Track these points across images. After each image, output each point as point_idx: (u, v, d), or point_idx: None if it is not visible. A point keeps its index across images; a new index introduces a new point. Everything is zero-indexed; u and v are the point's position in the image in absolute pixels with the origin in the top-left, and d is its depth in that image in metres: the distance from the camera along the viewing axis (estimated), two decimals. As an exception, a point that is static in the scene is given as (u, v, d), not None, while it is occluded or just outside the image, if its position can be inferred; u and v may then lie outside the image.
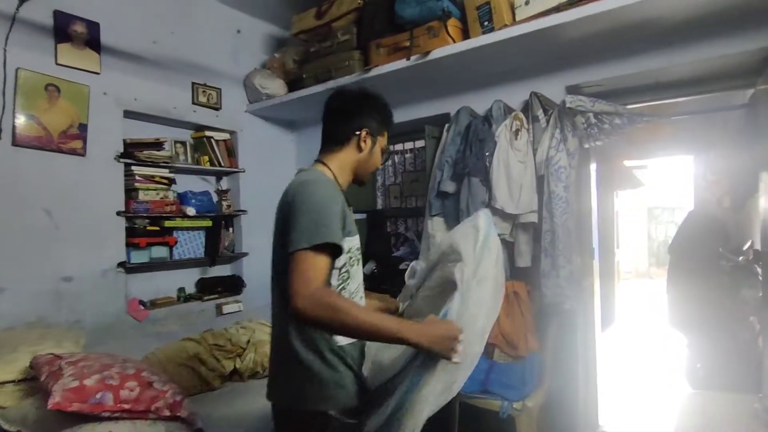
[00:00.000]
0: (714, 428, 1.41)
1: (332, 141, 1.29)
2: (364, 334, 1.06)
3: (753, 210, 2.85)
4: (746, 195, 3.05)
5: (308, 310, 0.98)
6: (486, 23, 2.23)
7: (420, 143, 3.26)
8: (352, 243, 1.22)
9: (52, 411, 1.29)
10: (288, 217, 1.10)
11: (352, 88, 1.34)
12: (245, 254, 3.33)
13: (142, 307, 2.76)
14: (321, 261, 1.04)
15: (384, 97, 1.38)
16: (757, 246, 2.75)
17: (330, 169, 1.26)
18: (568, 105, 2.18)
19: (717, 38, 1.96)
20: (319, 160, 1.30)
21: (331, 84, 2.80)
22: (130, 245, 2.68)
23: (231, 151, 3.27)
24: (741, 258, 2.98)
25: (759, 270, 2.69)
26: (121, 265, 2.62)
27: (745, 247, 3.12)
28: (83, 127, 2.44)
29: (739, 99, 2.76)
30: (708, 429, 1.41)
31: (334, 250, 1.08)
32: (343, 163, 1.28)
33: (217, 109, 3.17)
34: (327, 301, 0.98)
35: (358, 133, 1.28)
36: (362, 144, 1.29)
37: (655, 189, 8.04)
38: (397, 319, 1.14)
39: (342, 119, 1.28)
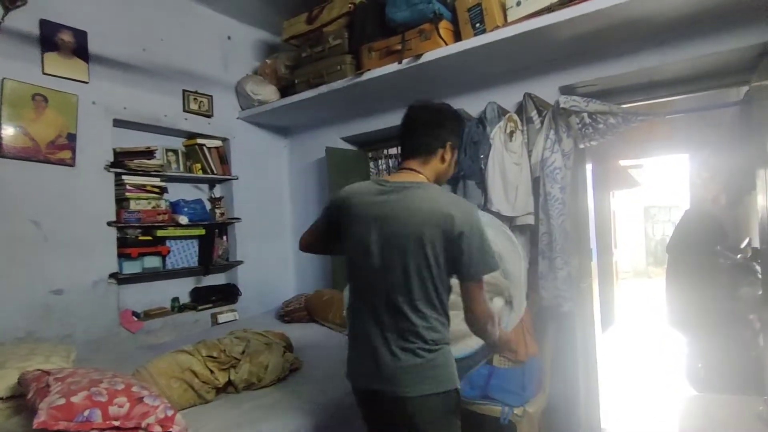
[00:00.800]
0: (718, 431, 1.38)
1: (422, 151, 1.37)
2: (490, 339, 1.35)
3: (750, 207, 2.84)
4: (742, 192, 3.04)
5: (482, 321, 1.28)
6: (477, 25, 2.21)
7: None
8: None
9: (39, 430, 1.25)
10: (463, 243, 1.22)
11: (434, 102, 1.42)
12: (240, 262, 3.29)
13: (136, 319, 2.72)
14: None
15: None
16: (755, 244, 2.73)
17: (428, 179, 1.36)
18: (561, 105, 2.17)
19: (710, 36, 1.95)
20: (414, 170, 1.36)
21: (324, 89, 2.77)
22: (122, 256, 2.63)
23: (223, 159, 3.24)
24: (739, 256, 2.97)
25: (757, 268, 2.68)
26: (112, 276, 2.57)
27: (743, 244, 3.11)
28: (72, 137, 2.40)
29: (733, 96, 2.76)
30: (712, 432, 1.38)
31: None
32: (432, 173, 1.38)
33: (208, 116, 3.14)
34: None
35: (444, 146, 1.36)
36: (445, 156, 1.38)
37: (652, 188, 8.04)
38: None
39: (432, 131, 1.36)
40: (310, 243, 1.54)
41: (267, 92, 3.16)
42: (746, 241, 3.05)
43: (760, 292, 2.39)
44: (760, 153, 1.97)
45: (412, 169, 1.36)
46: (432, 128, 1.36)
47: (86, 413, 1.29)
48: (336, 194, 1.42)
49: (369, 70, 2.57)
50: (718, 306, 2.97)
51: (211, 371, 1.86)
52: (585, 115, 2.16)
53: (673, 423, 1.51)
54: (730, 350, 2.82)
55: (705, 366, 3.04)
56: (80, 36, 2.44)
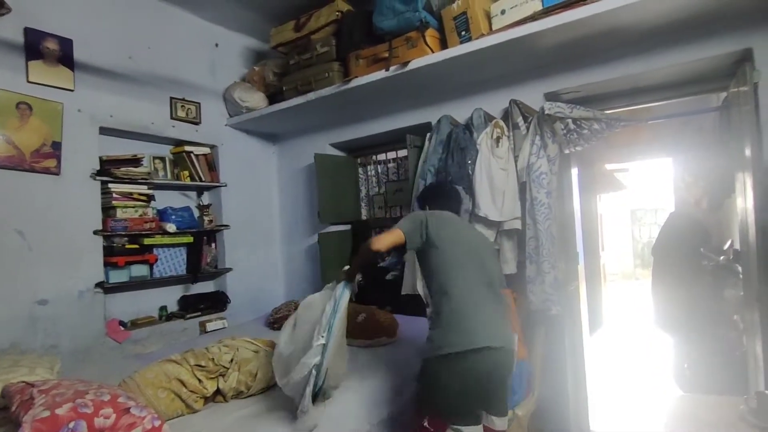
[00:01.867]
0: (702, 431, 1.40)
1: None
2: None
3: (731, 210, 2.90)
4: (723, 195, 3.10)
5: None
6: (463, 33, 2.24)
7: (403, 152, 3.26)
8: None
9: (23, 443, 1.23)
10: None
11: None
12: (229, 270, 3.28)
13: (122, 328, 2.69)
14: None
15: None
16: (737, 245, 2.79)
17: None
18: (546, 112, 2.20)
19: (690, 44, 2.00)
20: None
21: (312, 96, 2.78)
22: (109, 264, 2.61)
23: (212, 166, 3.23)
24: (722, 258, 3.02)
25: (740, 269, 2.73)
26: (99, 285, 2.54)
27: (726, 246, 3.17)
28: (57, 146, 2.38)
29: (713, 102, 2.82)
30: (696, 433, 1.41)
31: None
32: None
33: (196, 123, 3.13)
34: None
35: None
36: None
37: (638, 191, 8.17)
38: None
39: None
40: None
41: (255, 99, 3.16)
42: (728, 242, 3.11)
43: (742, 294, 2.43)
44: (738, 157, 2.02)
45: None
46: None
47: (71, 425, 1.28)
48: None
49: (357, 77, 2.59)
50: (703, 307, 3.02)
51: (199, 380, 1.84)
52: (569, 121, 2.19)
53: (659, 423, 1.53)
54: (715, 351, 2.87)
55: (691, 366, 3.09)
56: (66, 44, 2.43)
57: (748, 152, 1.89)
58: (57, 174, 2.40)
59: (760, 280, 1.91)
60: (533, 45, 2.12)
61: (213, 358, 1.96)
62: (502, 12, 2.12)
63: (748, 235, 2.01)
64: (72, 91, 2.46)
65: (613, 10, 1.79)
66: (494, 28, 2.16)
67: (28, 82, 2.30)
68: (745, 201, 1.99)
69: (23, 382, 1.59)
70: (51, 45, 2.37)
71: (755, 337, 1.98)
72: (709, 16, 1.89)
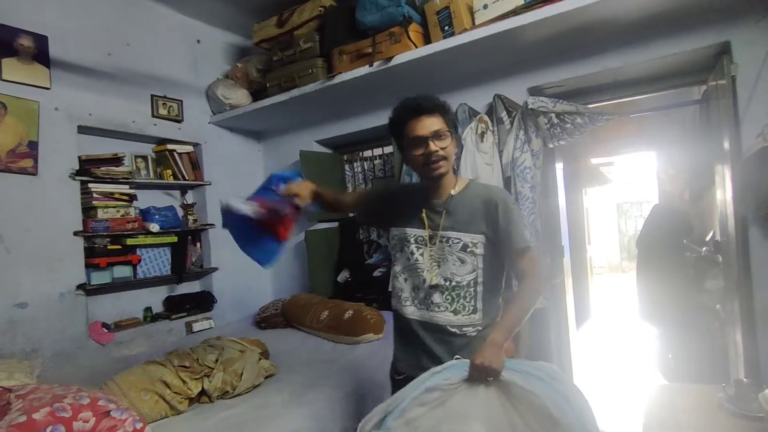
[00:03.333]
0: (681, 419, 1.42)
1: None
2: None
3: (711, 202, 2.94)
4: (704, 187, 3.14)
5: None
6: (446, 27, 2.24)
7: (389, 149, 3.25)
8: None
9: (0, 450, 1.20)
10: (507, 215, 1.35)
11: None
12: (215, 269, 3.24)
13: (106, 330, 2.64)
14: None
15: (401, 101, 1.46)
16: (717, 237, 2.83)
17: None
18: (530, 106, 2.21)
19: (670, 37, 2.02)
20: None
21: (296, 92, 2.76)
22: (90, 266, 2.56)
23: (195, 164, 3.19)
24: (704, 249, 3.07)
25: (720, 260, 2.77)
26: (80, 287, 2.50)
27: (707, 237, 3.21)
28: (33, 145, 2.32)
29: (694, 95, 2.85)
30: (675, 420, 1.42)
31: None
32: None
33: (178, 121, 3.08)
34: None
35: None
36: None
37: (623, 185, 8.27)
38: None
39: None
40: None
41: (238, 96, 3.12)
42: (710, 234, 3.15)
43: (723, 284, 2.47)
44: (717, 149, 2.04)
45: None
46: None
47: (49, 430, 1.25)
48: None
49: (340, 73, 2.57)
50: (686, 298, 3.06)
51: (184, 381, 1.82)
52: (553, 115, 2.20)
53: (640, 412, 1.55)
54: (698, 341, 2.91)
55: (674, 356, 3.13)
56: (41, 41, 2.37)
57: (726, 145, 1.92)
58: (34, 174, 2.34)
59: (739, 271, 1.94)
60: (516, 40, 2.12)
61: (198, 359, 1.94)
62: (485, 6, 2.12)
63: (727, 226, 2.04)
64: (48, 89, 2.40)
65: (593, 4, 1.79)
66: (477, 22, 2.16)
67: (2, 80, 2.24)
68: (724, 193, 2.02)
69: (0, 387, 1.56)
70: (25, 42, 2.31)
71: (735, 327, 2.01)
72: (687, 10, 1.90)
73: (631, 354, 4.07)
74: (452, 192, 1.42)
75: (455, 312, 1.36)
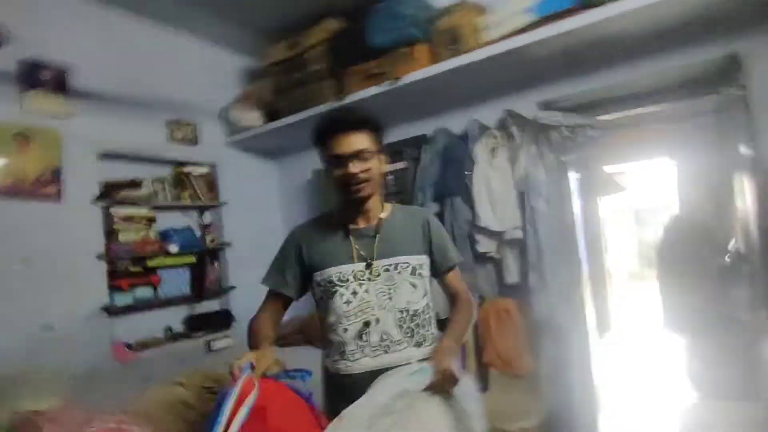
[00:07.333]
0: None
1: None
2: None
3: (732, 211, 2.88)
4: (723, 196, 3.08)
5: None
6: (455, 46, 2.26)
7: (401, 165, 3.26)
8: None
9: (29, 476, 1.23)
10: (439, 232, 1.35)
11: None
12: (233, 288, 3.28)
13: (129, 350, 2.69)
14: None
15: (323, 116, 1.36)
16: (740, 246, 2.77)
17: None
18: (541, 121, 2.21)
19: (681, 49, 2.02)
20: None
21: (307, 113, 2.80)
22: (113, 288, 2.62)
23: (212, 185, 3.25)
24: (727, 258, 3.00)
25: (744, 270, 2.70)
26: (104, 309, 2.56)
27: (730, 246, 3.14)
28: (57, 172, 2.40)
29: (710, 104, 2.81)
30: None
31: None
32: None
33: (194, 143, 3.15)
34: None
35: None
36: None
37: (640, 192, 8.13)
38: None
39: None
40: None
41: (252, 118, 3.18)
42: (732, 242, 3.09)
43: (749, 294, 2.41)
44: (735, 158, 2.01)
45: None
46: None
47: (77, 456, 1.28)
48: None
49: (350, 93, 2.61)
50: (712, 307, 2.99)
51: (207, 402, 1.84)
52: (564, 128, 2.20)
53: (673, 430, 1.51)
54: (727, 352, 2.83)
55: (704, 368, 3.04)
56: (61, 72, 2.46)
57: (744, 154, 1.89)
58: (58, 200, 2.42)
59: (766, 281, 1.89)
60: (524, 56, 2.13)
61: (219, 379, 1.96)
62: (491, 25, 2.14)
63: (749, 236, 2.00)
64: (69, 118, 2.49)
65: (599, 21, 1.80)
66: (485, 40, 2.18)
67: (25, 111, 2.32)
68: (744, 203, 1.98)
69: (31, 411, 1.60)
70: (46, 74, 2.40)
71: (764, 339, 1.96)
72: (698, 22, 1.90)
73: (658, 365, 3.96)
74: (381, 216, 1.31)
75: (417, 345, 1.23)
